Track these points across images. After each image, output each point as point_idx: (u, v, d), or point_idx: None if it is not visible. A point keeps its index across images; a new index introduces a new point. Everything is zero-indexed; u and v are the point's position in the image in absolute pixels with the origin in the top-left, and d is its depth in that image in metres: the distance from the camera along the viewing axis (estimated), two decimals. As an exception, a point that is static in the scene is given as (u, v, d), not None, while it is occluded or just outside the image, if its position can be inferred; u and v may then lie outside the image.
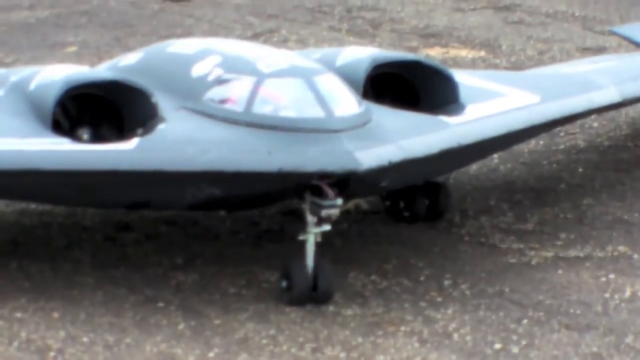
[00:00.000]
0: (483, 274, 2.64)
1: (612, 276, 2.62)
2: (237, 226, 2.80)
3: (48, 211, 2.80)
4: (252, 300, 2.52)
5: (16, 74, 2.65)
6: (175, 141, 2.44)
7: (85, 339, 2.35)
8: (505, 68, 3.78)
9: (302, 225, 2.49)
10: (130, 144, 2.47)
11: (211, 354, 2.31)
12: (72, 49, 3.73)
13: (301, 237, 2.48)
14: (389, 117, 2.57)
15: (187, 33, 3.90)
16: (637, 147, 3.31)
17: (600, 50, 3.91)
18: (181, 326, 2.41)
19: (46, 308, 2.44)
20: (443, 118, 2.64)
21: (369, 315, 2.47)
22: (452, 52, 3.92)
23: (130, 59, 2.72)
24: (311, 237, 2.47)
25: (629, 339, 2.39)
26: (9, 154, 2.41)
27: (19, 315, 2.43)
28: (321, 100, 2.47)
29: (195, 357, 2.31)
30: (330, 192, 2.42)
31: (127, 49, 3.68)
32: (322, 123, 2.44)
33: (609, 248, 2.74)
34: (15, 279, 2.55)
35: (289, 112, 2.45)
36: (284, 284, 2.51)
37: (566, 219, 2.88)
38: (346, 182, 2.44)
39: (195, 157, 2.42)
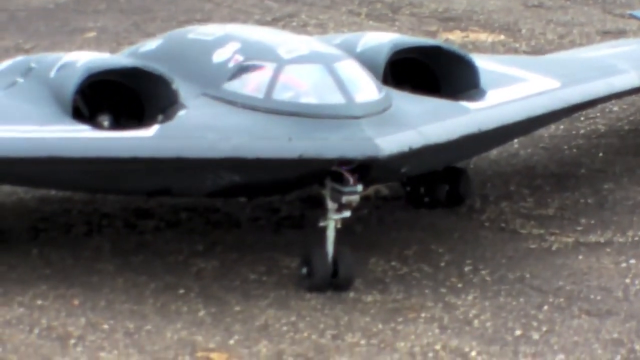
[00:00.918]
0: (503, 260, 2.64)
1: (632, 261, 2.62)
2: (258, 213, 2.80)
3: (68, 198, 2.79)
4: (273, 286, 2.52)
5: (36, 61, 2.64)
6: (196, 128, 2.44)
7: (105, 326, 2.34)
8: (525, 52, 3.77)
9: (322, 212, 2.49)
10: (150, 131, 2.47)
11: (231, 341, 2.30)
12: (91, 34, 3.73)
13: (321, 224, 2.48)
14: (409, 102, 2.57)
15: (207, 18, 3.91)
16: None
17: (620, 33, 3.90)
18: (202, 313, 2.41)
19: (67, 295, 2.43)
20: (464, 103, 2.64)
21: (390, 302, 2.47)
22: (472, 36, 3.91)
23: (150, 45, 2.73)
24: (331, 224, 2.46)
25: None
26: (30, 141, 2.40)
27: (39, 302, 2.42)
28: (341, 86, 2.46)
29: (216, 343, 2.29)
30: (350, 178, 2.41)
31: (146, 34, 3.69)
32: (342, 109, 2.43)
33: (630, 233, 2.73)
34: (35, 266, 2.54)
35: (309, 98, 2.44)
36: (305, 270, 2.50)
37: (587, 204, 2.88)
38: (367, 169, 2.43)
39: (215, 144, 2.41)
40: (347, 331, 2.36)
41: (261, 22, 3.85)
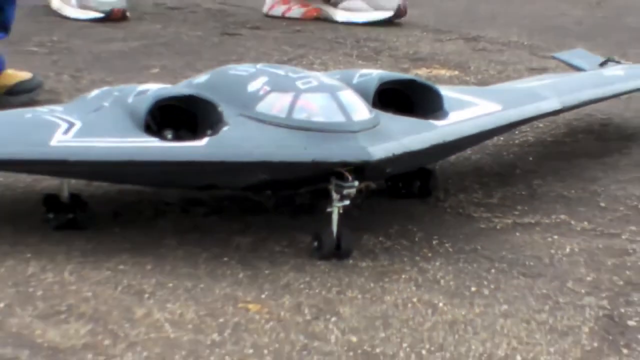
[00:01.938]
0: (461, 236, 2.62)
1: (555, 237, 2.61)
2: (279, 202, 2.79)
3: (139, 190, 2.78)
4: (292, 256, 2.51)
5: (117, 90, 2.62)
6: (235, 139, 2.41)
7: (170, 285, 2.36)
8: (474, 83, 3.72)
9: (328, 201, 2.46)
10: (202, 142, 2.43)
11: (263, 296, 2.31)
12: (155, 70, 3.69)
13: (328, 210, 2.45)
14: (392, 121, 2.52)
15: (240, 59, 3.84)
16: (571, 142, 3.28)
17: (543, 70, 3.87)
18: (240, 275, 2.41)
19: (141, 262, 2.45)
20: (432, 121, 2.60)
21: (378, 267, 2.46)
22: (434, 72, 3.89)
23: (200, 78, 2.68)
24: (335, 210, 2.44)
25: (569, 284, 2.39)
26: (115, 149, 2.41)
27: (121, 267, 2.44)
28: (343, 109, 2.43)
29: (252, 297, 2.31)
30: (349, 176, 2.40)
31: (196, 70, 3.58)
32: (343, 126, 2.40)
33: (553, 217, 2.72)
34: (117, 241, 2.55)
35: (319, 118, 2.41)
36: (316, 244, 2.48)
37: (521, 195, 2.85)
38: (361, 170, 2.41)
39: (250, 151, 2.40)
40: (348, 288, 2.36)
41: (279, 61, 3.81)
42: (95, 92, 2.70)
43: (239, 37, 4.23)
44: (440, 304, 2.32)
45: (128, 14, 4.18)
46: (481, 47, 4.15)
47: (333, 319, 2.26)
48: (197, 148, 2.45)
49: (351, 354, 2.13)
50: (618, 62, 3.41)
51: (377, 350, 2.15)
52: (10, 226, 2.64)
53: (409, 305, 2.32)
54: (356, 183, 2.44)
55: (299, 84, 2.51)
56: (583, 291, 2.39)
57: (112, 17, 4.06)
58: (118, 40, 4.03)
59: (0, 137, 2.54)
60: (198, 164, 2.46)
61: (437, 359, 2.12)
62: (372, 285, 2.39)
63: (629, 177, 2.98)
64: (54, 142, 2.47)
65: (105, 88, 2.72)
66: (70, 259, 2.48)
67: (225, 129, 2.47)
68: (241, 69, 2.66)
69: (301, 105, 2.46)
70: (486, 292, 2.37)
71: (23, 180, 2.82)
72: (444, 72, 3.88)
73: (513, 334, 2.21)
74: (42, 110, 2.65)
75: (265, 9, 4.54)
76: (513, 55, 4.06)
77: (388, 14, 4.25)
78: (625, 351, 2.16)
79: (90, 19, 4.02)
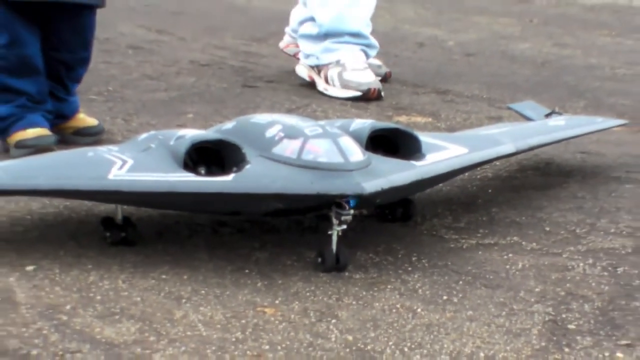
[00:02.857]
0: (435, 254, 2.58)
1: (510, 255, 2.58)
2: (291, 225, 2.75)
3: (178, 214, 2.75)
4: (301, 269, 2.48)
5: (161, 134, 2.60)
6: (256, 176, 2.38)
7: (202, 292, 2.32)
8: (444, 129, 3.69)
9: (329, 225, 2.43)
10: (229, 177, 2.41)
11: (277, 301, 2.28)
12: (190, 115, 3.65)
13: (329, 232, 2.42)
14: (381, 162, 2.49)
15: (257, 106, 3.82)
16: (522, 177, 3.23)
17: (499, 118, 3.85)
18: (259, 284, 2.38)
19: (179, 273, 2.41)
20: (412, 162, 2.58)
21: (369, 279, 2.43)
22: (412, 119, 3.85)
23: (228, 125, 2.64)
24: (335, 232, 2.41)
25: (521, 294, 2.36)
26: (159, 182, 2.40)
27: (163, 277, 2.41)
28: (342, 152, 2.40)
29: (267, 303, 2.27)
30: (346, 206, 2.37)
31: (222, 115, 3.60)
32: (342, 165, 2.38)
33: (508, 238, 2.69)
34: (160, 255, 2.52)
35: (323, 159, 2.39)
36: (319, 260, 2.46)
37: (483, 220, 2.82)
38: (356, 200, 2.39)
39: (268, 185, 2.37)
40: (345, 296, 2.33)
41: (289, 109, 3.80)
42: (143, 135, 2.68)
43: (256, 89, 4.20)
44: (419, 310, 2.29)
45: (382, 93, 3.88)
46: (449, 99, 4.14)
47: (333, 321, 2.24)
48: (225, 182, 2.43)
49: (347, 350, 2.12)
50: (559, 114, 3.41)
51: (369, 347, 2.13)
52: (75, 242, 2.62)
53: (394, 310, 2.30)
54: (352, 211, 2.41)
55: (307, 131, 2.49)
56: (532, 300, 2.36)
57: (369, 96, 3.80)
58: (161, 90, 4.01)
59: (69, 171, 2.52)
60: (226, 195, 2.43)
61: (416, 355, 2.10)
62: (364, 293, 2.37)
63: (568, 207, 2.97)
64: (111, 176, 2.45)
65: (151, 132, 2.71)
66: (123, 269, 2.47)
67: (247, 166, 2.45)
68: (260, 118, 2.63)
69: (309, 149, 2.44)
70: (455, 300, 2.35)
71: (85, 205, 2.80)
72: (420, 119, 3.86)
73: (477, 335, 2.19)
74: (102, 149, 2.64)
75: (281, 45, 4.41)
76: (475, 106, 4.04)
77: (356, 94, 3.98)
78: (566, 349, 2.15)
79: (350, 98, 3.81)
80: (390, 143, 2.68)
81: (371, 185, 2.39)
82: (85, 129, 3.08)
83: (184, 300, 2.30)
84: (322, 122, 2.68)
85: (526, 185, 3.18)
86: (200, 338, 2.13)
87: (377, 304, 2.31)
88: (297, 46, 4.27)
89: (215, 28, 5.47)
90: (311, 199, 2.41)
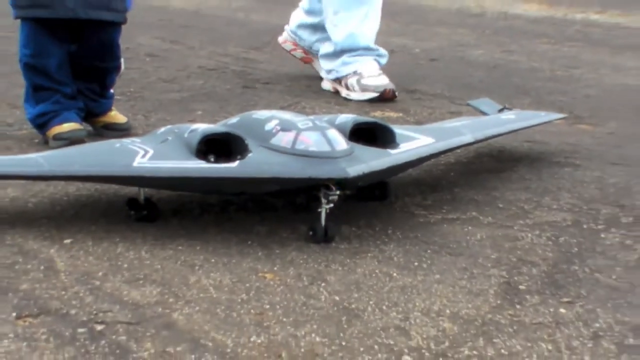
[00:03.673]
0: (407, 227, 2.55)
1: (470, 228, 2.56)
2: (286, 204, 2.71)
3: (191, 195, 2.71)
4: (295, 240, 2.45)
5: (177, 128, 2.58)
6: (257, 162, 2.36)
7: (212, 260, 2.30)
8: (413, 123, 3.66)
9: (319, 203, 2.41)
10: (234, 164, 2.39)
11: (275, 268, 2.26)
12: (199, 112, 3.60)
13: (319, 210, 2.40)
14: (362, 150, 2.47)
15: (256, 104, 3.79)
16: (479, 162, 3.20)
17: (459, 114, 3.80)
18: (260, 254, 2.35)
19: (193, 245, 2.38)
20: (388, 150, 2.56)
21: (352, 249, 2.40)
22: (386, 114, 3.82)
23: (232, 120, 2.62)
24: (324, 209, 2.40)
25: (480, 260, 2.34)
26: (175, 169, 2.39)
27: (179, 248, 2.37)
28: (329, 142, 2.38)
29: (267, 269, 2.25)
30: (333, 187, 2.36)
31: (226, 112, 3.56)
32: (329, 154, 2.36)
33: (468, 214, 2.66)
34: (177, 230, 2.49)
35: (313, 148, 2.36)
36: (310, 233, 2.43)
37: (447, 199, 2.80)
38: (341, 183, 2.37)
39: (267, 170, 2.35)
40: (332, 263, 2.31)
41: (283, 106, 3.76)
42: (161, 130, 2.66)
43: (255, 89, 4.18)
44: (395, 274, 2.28)
45: (397, 93, 3.82)
46: (417, 97, 4.12)
47: (322, 284, 2.23)
48: (231, 168, 2.41)
49: (335, 308, 2.11)
50: (510, 109, 3.39)
51: (353, 306, 2.12)
52: (105, 219, 2.60)
53: (373, 275, 2.28)
54: (338, 192, 2.40)
55: (299, 125, 2.47)
56: (489, 265, 2.36)
57: (385, 96, 3.76)
58: (174, 92, 3.99)
59: (100, 160, 2.50)
60: (232, 179, 2.42)
61: (392, 312, 2.09)
62: (348, 261, 2.36)
63: (518, 187, 2.97)
64: (135, 164, 2.44)
65: (168, 127, 2.68)
66: (145, 242, 2.45)
67: (250, 155, 2.43)
68: (259, 114, 2.60)
69: (301, 140, 2.42)
70: (425, 265, 2.34)
71: (113, 188, 2.78)
72: (392, 114, 3.86)
73: (444, 295, 2.19)
74: (126, 141, 2.62)
75: (280, 40, 4.39)
76: (438, 103, 4.03)
77: (375, 95, 3.95)
78: (518, 306, 2.15)
79: (368, 99, 3.79)
80: (370, 135, 2.67)
81: (354, 170, 2.38)
82: (114, 124, 3.07)
83: (197, 267, 2.28)
84: (312, 117, 2.66)
85: (482, 169, 3.18)
86: (212, 299, 2.12)
87: (359, 269, 2.30)
88: (294, 44, 4.31)
89: (219, 39, 5.43)
90: (303, 181, 2.39)
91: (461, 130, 2.97)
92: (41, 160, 2.46)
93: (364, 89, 3.65)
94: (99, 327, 1.95)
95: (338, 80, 3.70)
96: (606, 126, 3.48)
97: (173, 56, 4.61)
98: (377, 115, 3.77)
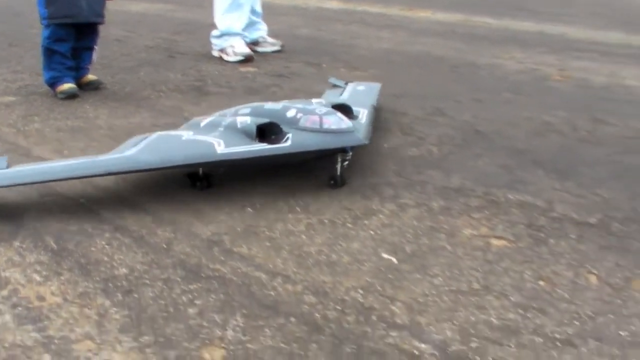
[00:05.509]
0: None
1: (435, 205, 2.92)
2: (316, 163, 3.07)
3: (231, 172, 2.99)
4: (321, 187, 2.84)
5: (223, 120, 2.88)
6: (302, 140, 2.75)
7: (257, 206, 2.69)
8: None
9: (337, 162, 2.83)
10: (288, 144, 2.75)
11: (276, 225, 2.57)
12: (142, 73, 4.51)
13: (336, 166, 2.84)
14: (354, 124, 2.95)
15: (174, 66, 4.68)
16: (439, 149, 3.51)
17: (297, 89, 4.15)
18: (288, 204, 2.71)
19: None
20: (359, 121, 3.10)
21: (358, 195, 2.83)
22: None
23: (244, 110, 2.99)
24: (339, 166, 2.83)
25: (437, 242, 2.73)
26: (251, 151, 2.69)
27: (231, 201, 2.75)
28: (343, 121, 2.85)
29: (264, 225, 2.57)
30: (348, 150, 2.83)
31: (159, 72, 4.50)
32: (348, 129, 2.82)
33: (435, 202, 2.93)
34: (223, 193, 2.80)
35: (334, 126, 2.81)
36: (332, 182, 2.88)
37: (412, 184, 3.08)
38: (353, 147, 2.84)
39: (312, 144, 2.73)
40: (349, 204, 2.70)
41: (192, 66, 4.55)
42: (203, 123, 3.11)
43: (175, 58, 5.20)
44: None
45: (254, 58, 4.92)
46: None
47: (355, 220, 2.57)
48: (287, 146, 2.65)
49: (350, 223, 2.65)
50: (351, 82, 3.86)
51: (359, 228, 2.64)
52: (172, 188, 3.03)
53: (374, 210, 2.64)
54: (350, 153, 3.00)
55: (317, 111, 3.03)
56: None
57: (247, 60, 4.93)
58: (129, 61, 5.04)
59: (189, 152, 2.61)
60: (288, 154, 2.65)
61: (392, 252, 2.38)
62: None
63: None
64: (219, 152, 2.59)
65: (207, 120, 3.11)
66: (206, 201, 2.67)
67: (289, 136, 2.92)
68: (270, 106, 3.10)
69: (325, 122, 2.99)
70: (385, 221, 2.67)
71: (179, 172, 2.86)
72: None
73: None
74: (189, 133, 2.77)
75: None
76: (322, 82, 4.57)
77: (241, 58, 5.10)
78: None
79: (238, 60, 4.95)
80: (345, 111, 3.29)
81: (365, 138, 3.02)
82: (90, 82, 4.02)
83: (249, 209, 2.64)
84: (315, 104, 3.23)
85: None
86: (268, 237, 2.39)
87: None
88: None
89: (156, 29, 6.42)
90: (332, 149, 2.67)
91: (362, 100, 3.66)
92: (143, 157, 2.55)
93: (235, 54, 4.92)
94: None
95: (222, 50, 5.02)
96: (368, 72, 4.51)
97: (130, 40, 5.78)
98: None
